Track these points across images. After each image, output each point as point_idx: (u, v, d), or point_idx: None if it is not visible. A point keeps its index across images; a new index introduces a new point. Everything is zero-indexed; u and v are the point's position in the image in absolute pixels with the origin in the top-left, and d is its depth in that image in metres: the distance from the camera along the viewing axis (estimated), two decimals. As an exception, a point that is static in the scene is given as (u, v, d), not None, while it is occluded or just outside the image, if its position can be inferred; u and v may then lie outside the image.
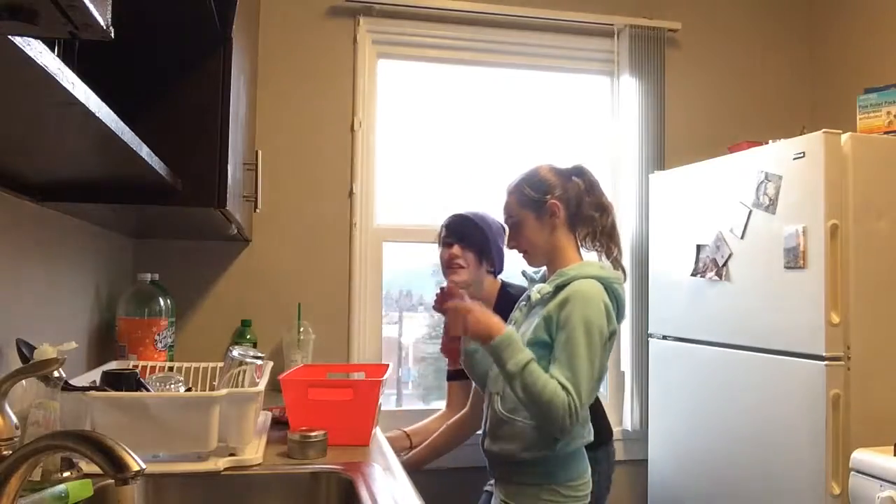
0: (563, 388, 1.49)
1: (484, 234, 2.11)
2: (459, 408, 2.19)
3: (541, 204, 1.66)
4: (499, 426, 1.64)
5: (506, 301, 2.02)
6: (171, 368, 1.78)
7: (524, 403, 1.54)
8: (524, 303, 1.73)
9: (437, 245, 2.23)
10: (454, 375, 2.21)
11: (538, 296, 1.63)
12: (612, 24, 2.87)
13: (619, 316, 1.63)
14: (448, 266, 2.13)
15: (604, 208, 1.69)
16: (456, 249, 2.11)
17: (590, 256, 1.74)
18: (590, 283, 1.57)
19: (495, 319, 1.59)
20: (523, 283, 1.88)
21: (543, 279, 1.73)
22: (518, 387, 1.51)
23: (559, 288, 1.59)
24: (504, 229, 2.03)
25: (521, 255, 1.74)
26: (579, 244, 1.71)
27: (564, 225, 1.67)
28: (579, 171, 1.71)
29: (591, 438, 1.65)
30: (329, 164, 2.68)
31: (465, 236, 2.10)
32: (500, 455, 1.65)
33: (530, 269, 1.80)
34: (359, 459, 1.48)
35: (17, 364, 1.24)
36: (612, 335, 1.58)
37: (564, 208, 1.67)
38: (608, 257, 1.69)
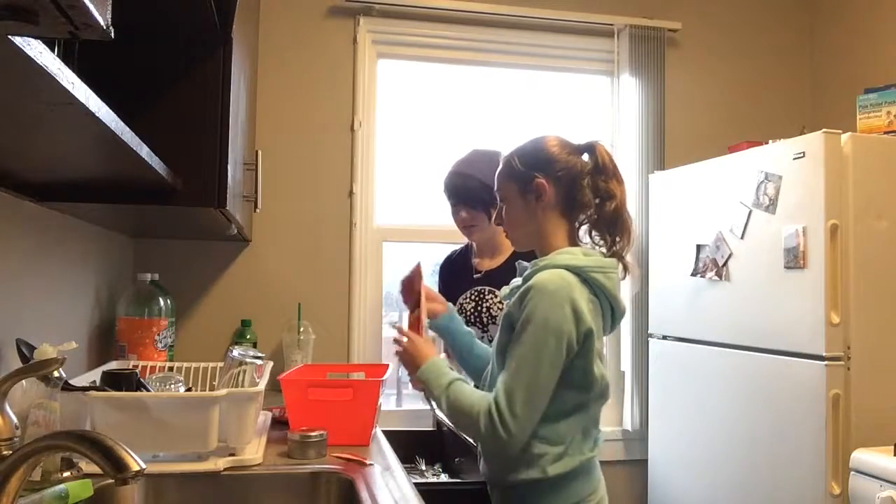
0: (493, 395, 1.32)
1: (486, 188, 1.91)
2: None
3: (527, 180, 1.43)
4: (485, 446, 1.46)
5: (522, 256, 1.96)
6: (171, 368, 1.77)
7: (458, 427, 1.41)
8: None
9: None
10: None
11: (507, 291, 1.44)
12: (612, 24, 2.87)
13: (615, 311, 1.42)
14: (463, 229, 2.06)
15: (609, 194, 1.42)
16: (465, 214, 2.01)
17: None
18: (555, 273, 1.33)
19: (424, 349, 1.45)
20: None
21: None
22: (444, 409, 1.37)
23: (527, 281, 1.37)
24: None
25: (505, 234, 1.54)
26: (576, 232, 1.47)
27: (555, 208, 1.43)
28: (590, 149, 1.46)
29: (591, 454, 1.41)
30: (329, 164, 2.68)
31: (469, 198, 1.98)
32: (491, 479, 1.46)
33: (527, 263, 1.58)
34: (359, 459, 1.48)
35: (17, 364, 1.24)
36: (588, 335, 1.32)
37: (555, 189, 1.42)
38: (608, 250, 1.44)
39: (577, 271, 1.35)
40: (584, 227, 1.47)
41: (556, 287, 1.31)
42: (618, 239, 1.43)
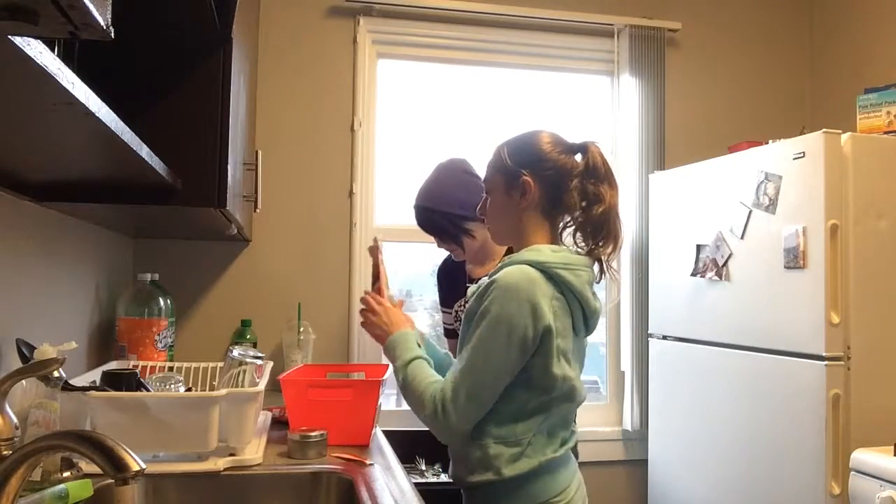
0: (443, 383, 1.32)
1: (447, 216, 1.93)
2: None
3: (513, 176, 1.39)
4: (451, 446, 1.43)
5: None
6: (171, 368, 1.77)
7: (408, 404, 1.38)
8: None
9: (436, 244, 2.21)
10: (451, 334, 2.16)
11: (474, 289, 1.38)
12: (612, 24, 2.87)
13: (586, 310, 1.35)
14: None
15: (597, 198, 1.36)
16: (440, 245, 2.01)
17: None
18: (517, 269, 1.30)
19: (397, 319, 1.47)
20: None
21: None
22: (400, 384, 1.39)
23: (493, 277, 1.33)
24: (466, 166, 2.00)
25: (487, 228, 1.51)
26: (559, 233, 1.42)
27: (538, 207, 1.39)
28: (583, 149, 1.40)
29: (555, 455, 1.33)
30: (329, 164, 2.68)
31: (434, 230, 1.97)
32: (456, 480, 1.42)
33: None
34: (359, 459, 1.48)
35: (17, 364, 1.24)
36: (547, 333, 1.28)
37: (541, 189, 1.38)
38: (589, 253, 1.38)
39: (541, 267, 1.30)
40: (570, 229, 1.42)
41: (515, 282, 1.28)
42: (601, 244, 1.38)
